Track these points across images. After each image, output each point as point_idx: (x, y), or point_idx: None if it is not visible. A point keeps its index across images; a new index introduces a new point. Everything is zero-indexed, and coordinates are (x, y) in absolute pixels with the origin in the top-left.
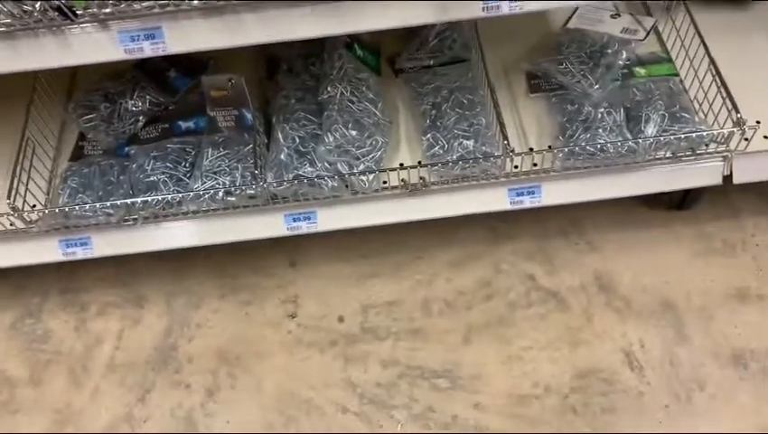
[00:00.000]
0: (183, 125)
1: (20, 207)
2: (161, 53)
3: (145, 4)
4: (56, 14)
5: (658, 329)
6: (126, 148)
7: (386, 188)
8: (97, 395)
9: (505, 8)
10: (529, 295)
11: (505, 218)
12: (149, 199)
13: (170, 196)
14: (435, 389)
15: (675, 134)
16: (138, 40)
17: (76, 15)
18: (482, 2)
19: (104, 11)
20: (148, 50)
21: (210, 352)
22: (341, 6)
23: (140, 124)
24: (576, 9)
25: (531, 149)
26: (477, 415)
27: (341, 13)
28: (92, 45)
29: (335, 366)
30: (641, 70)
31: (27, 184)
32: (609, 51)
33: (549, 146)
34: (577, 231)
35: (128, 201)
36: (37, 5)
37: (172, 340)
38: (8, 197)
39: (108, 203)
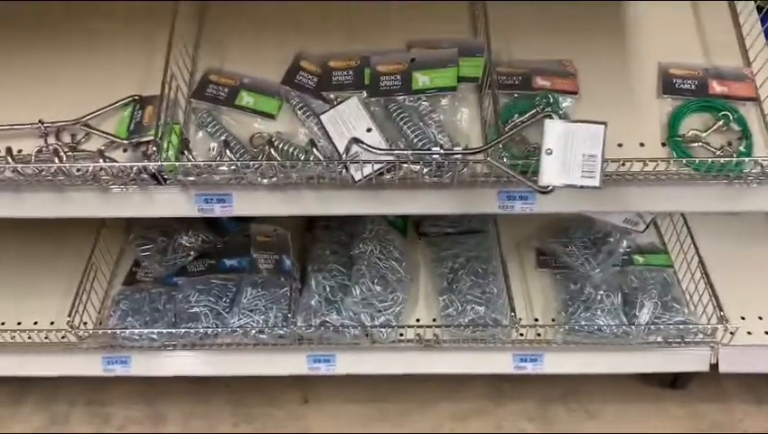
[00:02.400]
0: (228, 262)
1: (76, 325)
2: (228, 215)
3: (222, 176)
4: (148, 176)
5: None
6: (175, 278)
7: (402, 340)
8: None
9: (518, 208)
10: None
11: (510, 378)
12: (191, 331)
13: (209, 330)
14: None
15: (665, 323)
16: (211, 202)
17: (165, 181)
18: (497, 201)
19: (188, 178)
20: (218, 211)
21: None
22: (382, 194)
23: (190, 258)
24: None
25: (536, 319)
26: None
27: (382, 197)
28: (172, 203)
29: None
30: (639, 258)
31: (86, 304)
32: (611, 239)
33: (553, 319)
34: (577, 398)
35: (172, 330)
36: (134, 169)
37: None
38: (69, 315)
39: (154, 332)
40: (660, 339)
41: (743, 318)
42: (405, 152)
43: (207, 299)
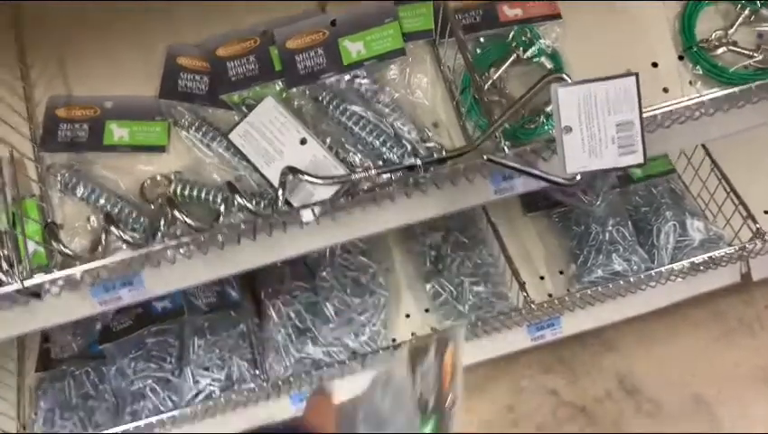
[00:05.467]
0: (159, 305)
1: None
2: (141, 299)
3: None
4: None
5: (694, 430)
6: (99, 346)
7: (396, 347)
8: None
9: (519, 186)
10: (556, 413)
11: None
12: (141, 424)
13: (164, 416)
14: None
15: (692, 249)
16: (114, 290)
17: (40, 296)
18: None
19: (73, 274)
20: (127, 297)
21: None
22: (343, 219)
23: (110, 314)
24: None
25: (542, 277)
26: None
27: (344, 223)
28: (62, 309)
29: None
30: (636, 171)
31: None
32: None
33: (560, 272)
34: (589, 331)
35: (117, 431)
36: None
37: None
38: None
39: None
40: (686, 266)
41: (766, 212)
42: (367, 174)
43: (148, 367)
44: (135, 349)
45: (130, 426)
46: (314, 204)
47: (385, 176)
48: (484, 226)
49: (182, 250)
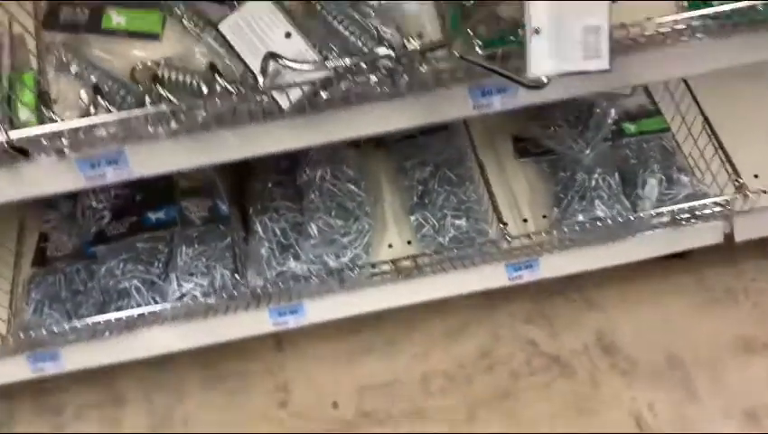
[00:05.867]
0: (153, 216)
1: None
2: (125, 179)
3: (106, 133)
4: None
5: (666, 390)
6: (92, 249)
7: (377, 274)
8: None
9: (497, 104)
10: (531, 362)
11: None
12: (122, 316)
13: (145, 310)
14: None
15: (674, 197)
16: (99, 167)
17: (28, 154)
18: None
19: (60, 144)
20: (111, 176)
21: None
22: (320, 118)
23: (105, 220)
24: None
25: (525, 220)
26: None
27: (321, 123)
28: (50, 177)
29: None
30: (630, 127)
31: None
32: (597, 109)
33: (544, 216)
34: (574, 288)
35: (98, 319)
36: None
37: None
38: None
39: (77, 324)
40: (668, 219)
41: (756, 176)
42: (342, 63)
43: (136, 269)
44: (126, 252)
45: (112, 316)
46: (290, 86)
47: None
48: (473, 165)
49: (162, 128)
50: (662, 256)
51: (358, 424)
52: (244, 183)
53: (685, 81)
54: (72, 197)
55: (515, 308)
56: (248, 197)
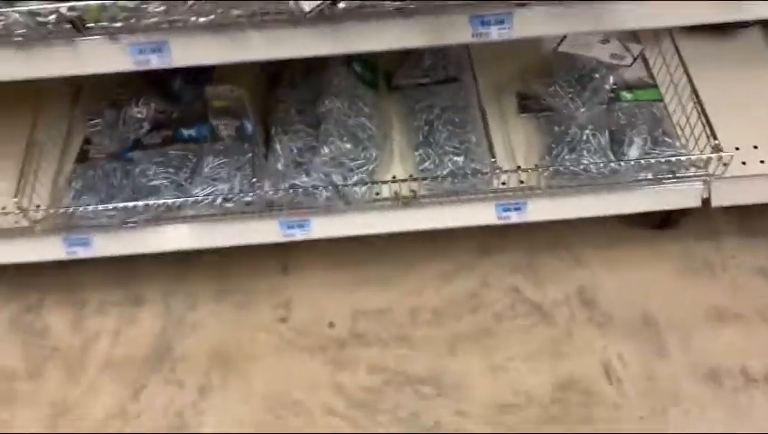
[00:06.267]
0: (186, 132)
1: (26, 206)
2: (167, 66)
3: (152, 20)
4: (69, 26)
5: (637, 345)
6: (130, 153)
7: (378, 200)
8: (92, 390)
9: (494, 34)
10: (515, 307)
11: (494, 233)
12: (150, 203)
13: (170, 201)
14: (420, 395)
15: (656, 157)
16: (146, 53)
17: (86, 28)
18: (471, 28)
19: (115, 25)
20: (155, 62)
21: (203, 352)
22: (339, 29)
23: (144, 130)
24: (566, 35)
25: (519, 167)
26: (459, 421)
27: (339, 34)
28: (102, 57)
29: (324, 370)
30: (627, 95)
31: (34, 185)
32: (597, 75)
33: (536, 165)
34: (564, 246)
35: (130, 204)
36: (52, 18)
37: (167, 339)
38: (15, 196)
39: (111, 206)
40: (650, 176)
41: (737, 148)
42: None
43: (166, 171)
44: (159, 157)
45: (141, 203)
46: None
47: None
48: (477, 113)
49: (201, 20)
50: (648, 227)
51: (349, 343)
52: (269, 109)
53: (678, 53)
54: (117, 107)
55: (506, 259)
56: (271, 120)
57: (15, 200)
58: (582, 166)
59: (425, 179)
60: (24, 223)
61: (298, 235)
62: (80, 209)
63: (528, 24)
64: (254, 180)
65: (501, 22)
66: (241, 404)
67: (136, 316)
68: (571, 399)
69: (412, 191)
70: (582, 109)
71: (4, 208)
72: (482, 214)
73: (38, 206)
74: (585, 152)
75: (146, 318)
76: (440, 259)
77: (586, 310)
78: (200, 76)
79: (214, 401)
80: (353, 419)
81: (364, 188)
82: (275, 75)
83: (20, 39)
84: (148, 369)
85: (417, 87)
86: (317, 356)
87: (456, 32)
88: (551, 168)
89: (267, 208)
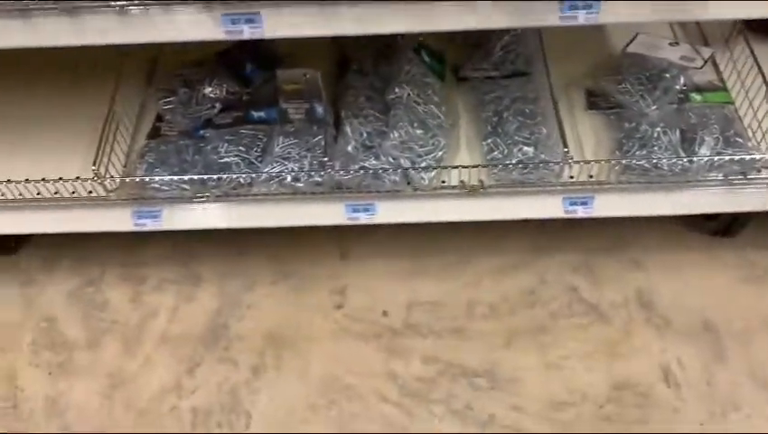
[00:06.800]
0: (256, 114)
1: (103, 174)
2: (258, 37)
3: None
4: None
5: (696, 349)
6: (201, 131)
7: (444, 187)
8: (148, 364)
9: (581, 18)
10: (571, 306)
11: (552, 231)
12: (223, 177)
13: (243, 176)
14: (474, 387)
15: (728, 156)
16: (239, 23)
17: None
18: (558, 12)
19: None
20: (247, 32)
21: (258, 333)
22: (427, 7)
23: (215, 110)
24: (636, 35)
25: (590, 160)
26: (514, 416)
27: (428, 12)
28: (196, 25)
29: (378, 358)
30: (696, 96)
31: (110, 155)
32: (667, 75)
33: (608, 159)
34: (622, 249)
35: (204, 177)
36: None
37: (223, 319)
38: (93, 164)
39: (186, 178)
40: (720, 176)
41: None
42: None
43: (237, 149)
44: (230, 136)
45: (214, 176)
46: None
47: None
48: (547, 105)
49: None
50: (708, 233)
51: (403, 333)
52: (339, 94)
53: (753, 54)
54: (190, 87)
55: (564, 259)
56: (341, 104)
57: (94, 168)
58: (653, 163)
59: (495, 166)
60: (99, 192)
61: (362, 219)
62: (157, 179)
63: (614, 10)
64: (326, 159)
65: (590, 6)
66: (295, 386)
67: (194, 295)
68: (627, 400)
69: (479, 180)
70: (653, 108)
71: (78, 177)
72: (548, 207)
73: (112, 176)
74: (656, 149)
75: (204, 297)
76: (497, 254)
77: (644, 313)
78: (270, 61)
79: (268, 382)
80: (407, 408)
81: (432, 174)
82: (343, 62)
83: (119, 6)
84: (203, 347)
85: (485, 79)
86: (371, 343)
87: (544, 14)
88: (623, 162)
89: (335, 190)
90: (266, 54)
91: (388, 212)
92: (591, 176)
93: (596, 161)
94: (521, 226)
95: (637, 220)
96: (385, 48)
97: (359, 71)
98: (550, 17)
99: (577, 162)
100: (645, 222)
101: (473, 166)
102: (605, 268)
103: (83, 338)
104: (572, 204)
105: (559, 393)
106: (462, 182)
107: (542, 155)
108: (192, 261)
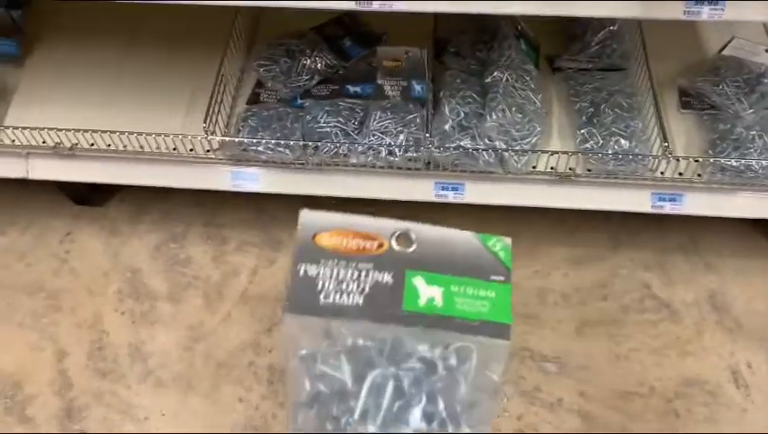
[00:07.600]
0: (352, 89)
1: (211, 131)
2: (387, 9)
3: None
4: None
5: (767, 355)
6: (300, 101)
7: (535, 173)
8: (228, 320)
9: (705, 14)
10: (644, 302)
11: (627, 227)
12: (325, 144)
13: (343, 145)
14: (544, 371)
15: None
16: None
17: None
18: (683, 4)
19: None
20: (376, 4)
21: None
22: None
23: (314, 81)
24: (732, 39)
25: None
26: (582, 402)
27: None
28: None
29: None
30: None
31: (218, 115)
32: (765, 80)
33: (703, 157)
34: (696, 250)
35: (308, 143)
36: None
37: None
38: (204, 122)
39: (291, 143)
40: None
41: None
42: None
43: (336, 120)
44: (329, 107)
45: (316, 143)
46: None
47: None
48: (644, 99)
49: None
50: None
51: None
52: (436, 74)
53: None
54: (291, 57)
55: (638, 256)
56: (439, 84)
57: (205, 125)
58: (748, 165)
59: (592, 153)
60: (199, 151)
61: (450, 197)
62: (263, 141)
63: (739, 8)
64: (426, 134)
65: (715, 2)
66: None
67: (275, 259)
68: (696, 397)
69: (570, 168)
70: (749, 111)
71: (183, 135)
72: (636, 200)
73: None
74: (751, 151)
75: (284, 262)
76: (571, 245)
77: (716, 314)
78: (368, 38)
79: None
80: None
81: (524, 158)
82: (441, 44)
83: None
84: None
85: (580, 71)
86: None
87: (667, 9)
88: (718, 161)
89: (428, 166)
90: (362, 31)
91: (476, 193)
92: (681, 174)
93: (696, 159)
94: (594, 220)
95: (711, 223)
96: (481, 33)
97: (456, 54)
98: (674, 11)
99: (676, 157)
100: (720, 226)
101: (573, 153)
102: (678, 269)
103: (166, 291)
104: (660, 200)
105: (628, 384)
106: (552, 168)
107: (637, 149)
108: (274, 227)
